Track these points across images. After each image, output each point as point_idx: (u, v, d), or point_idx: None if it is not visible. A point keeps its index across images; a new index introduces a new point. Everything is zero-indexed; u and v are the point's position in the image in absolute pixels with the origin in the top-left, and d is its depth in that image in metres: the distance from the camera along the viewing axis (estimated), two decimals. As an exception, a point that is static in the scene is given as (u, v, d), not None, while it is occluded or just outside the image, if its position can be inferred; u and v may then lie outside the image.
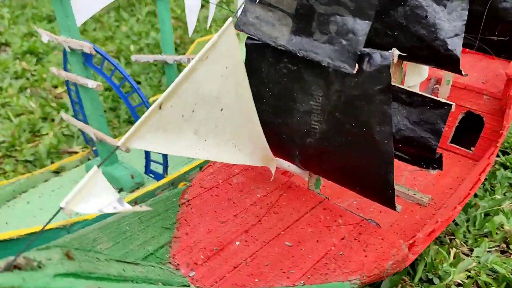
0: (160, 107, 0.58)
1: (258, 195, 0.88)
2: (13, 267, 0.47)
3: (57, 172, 1.43)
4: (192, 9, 1.41)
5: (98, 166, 0.57)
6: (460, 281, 1.05)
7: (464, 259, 1.09)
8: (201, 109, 0.64)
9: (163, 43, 1.40)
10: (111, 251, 0.68)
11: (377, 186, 0.77)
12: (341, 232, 0.81)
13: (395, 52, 0.74)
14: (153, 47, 2.68)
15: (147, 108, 1.19)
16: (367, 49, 0.71)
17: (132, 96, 2.09)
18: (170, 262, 0.72)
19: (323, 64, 0.73)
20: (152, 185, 1.22)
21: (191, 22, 1.43)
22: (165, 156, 1.23)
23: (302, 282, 0.72)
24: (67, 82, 1.38)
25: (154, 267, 0.66)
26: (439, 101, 0.93)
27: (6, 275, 0.46)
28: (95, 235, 0.69)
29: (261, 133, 0.77)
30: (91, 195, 0.51)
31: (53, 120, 2.10)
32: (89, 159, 1.51)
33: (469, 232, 1.22)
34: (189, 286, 0.68)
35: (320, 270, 0.74)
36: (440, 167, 0.96)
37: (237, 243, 0.78)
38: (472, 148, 1.32)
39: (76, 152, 1.88)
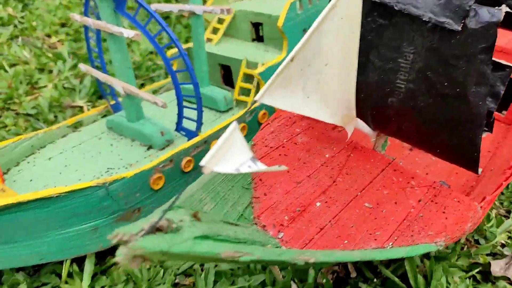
0: (292, 60, 0.53)
1: (326, 155, 0.85)
2: (155, 229, 0.43)
3: (74, 127, 1.35)
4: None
5: (238, 122, 0.51)
6: (503, 242, 1.07)
7: (504, 221, 1.11)
8: (313, 63, 0.59)
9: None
10: (214, 212, 0.64)
11: (463, 148, 0.76)
12: (417, 194, 0.80)
13: (504, 8, 0.70)
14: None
15: (185, 60, 1.12)
16: (472, 4, 0.67)
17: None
18: (256, 223, 0.69)
19: (423, 19, 0.68)
20: (185, 143, 1.16)
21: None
22: (200, 113, 1.17)
23: (390, 243, 0.70)
24: (86, 30, 1.28)
25: (248, 228, 0.63)
26: (500, 63, 0.91)
27: (152, 239, 0.41)
28: (199, 195, 0.65)
29: (353, 92, 0.74)
30: (230, 153, 0.47)
31: (50, 71, 1.97)
32: (105, 115, 1.42)
33: (503, 194, 1.25)
34: (280, 248, 0.66)
35: (405, 232, 0.73)
36: (490, 130, 0.95)
37: (318, 204, 0.75)
38: (504, 112, 1.33)
39: (80, 107, 1.78)
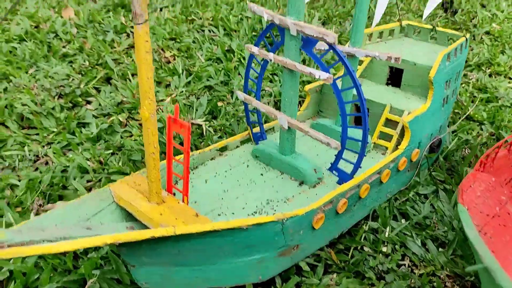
0: None
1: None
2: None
3: (221, 151, 1.38)
4: (382, 4, 1.34)
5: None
6: None
7: None
8: None
9: (355, 34, 1.33)
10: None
11: None
12: None
13: None
14: (254, 23, 2.58)
15: (363, 106, 1.14)
16: None
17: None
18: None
19: None
20: (343, 185, 1.17)
21: (379, 14, 1.36)
22: (361, 157, 1.19)
23: None
24: (250, 60, 1.31)
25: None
26: None
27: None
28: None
29: None
30: None
31: (167, 86, 2.02)
32: (246, 142, 1.45)
33: None
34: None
35: None
36: None
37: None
38: None
39: (199, 125, 1.82)
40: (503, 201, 0.91)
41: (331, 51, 1.12)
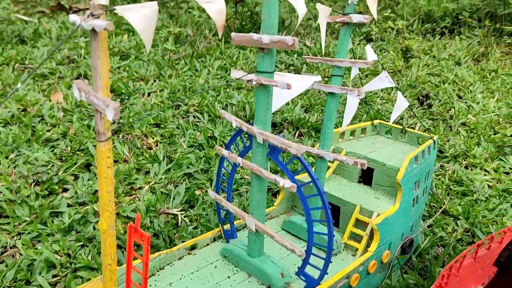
0: None
1: None
2: None
3: (190, 249, 1.37)
4: (350, 110, 1.41)
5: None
6: None
7: None
8: None
9: (324, 138, 1.38)
10: None
11: None
12: None
13: None
14: (238, 110, 2.67)
15: (327, 215, 1.15)
16: None
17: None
18: None
19: None
20: (309, 291, 1.16)
21: (346, 120, 1.42)
22: (327, 263, 1.18)
23: None
24: (222, 160, 1.34)
25: None
26: None
27: None
28: None
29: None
30: None
31: (147, 173, 2.05)
32: (214, 238, 1.44)
33: None
34: None
35: None
36: None
37: None
38: None
39: (175, 215, 1.82)
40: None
41: (301, 163, 1.15)
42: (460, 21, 4.64)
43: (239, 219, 1.74)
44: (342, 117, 1.47)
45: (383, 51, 4.17)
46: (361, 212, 1.47)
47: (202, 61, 3.43)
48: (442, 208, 2.01)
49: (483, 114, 3.07)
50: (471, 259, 1.24)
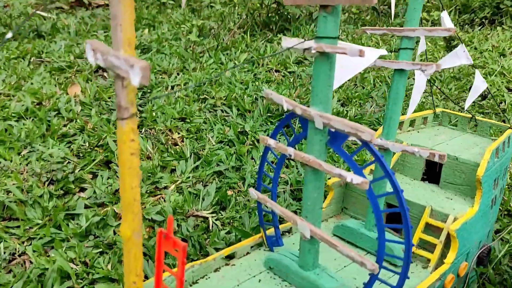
0: None
1: None
2: None
3: (227, 258, 1.14)
4: (419, 89, 1.17)
5: None
6: None
7: None
8: None
9: (388, 125, 1.14)
10: None
11: None
12: None
13: None
14: (269, 104, 2.44)
15: (402, 200, 0.91)
16: None
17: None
18: None
19: None
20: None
21: (414, 102, 1.19)
22: (403, 279, 0.95)
23: None
24: (265, 152, 1.12)
25: None
26: None
27: None
28: None
29: None
30: None
31: (172, 171, 1.83)
32: (259, 245, 1.22)
33: None
34: None
35: None
36: None
37: None
38: None
39: (205, 218, 1.60)
40: None
41: (373, 154, 0.92)
42: (501, 10, 4.33)
43: (284, 221, 1.51)
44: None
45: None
46: (432, 215, 1.22)
47: (227, 54, 3.21)
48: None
49: (539, 107, 2.78)
50: None
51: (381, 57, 1.13)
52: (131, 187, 0.66)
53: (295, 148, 1.01)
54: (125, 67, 0.57)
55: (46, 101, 2.18)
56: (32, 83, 2.34)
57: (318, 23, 0.88)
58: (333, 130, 0.93)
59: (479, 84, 1.26)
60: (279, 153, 1.06)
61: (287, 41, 0.94)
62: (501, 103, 2.80)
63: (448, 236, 1.16)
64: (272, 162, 1.92)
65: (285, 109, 0.97)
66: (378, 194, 0.96)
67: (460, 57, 1.15)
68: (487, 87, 2.90)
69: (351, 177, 0.88)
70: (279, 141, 1.15)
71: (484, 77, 3.14)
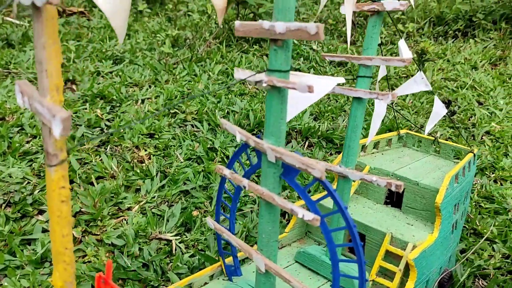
0: None
1: None
2: None
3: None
4: (379, 115, 1.16)
5: None
6: None
7: None
8: None
9: (347, 153, 1.13)
10: None
11: None
12: None
13: None
14: (241, 118, 2.42)
15: (359, 254, 0.90)
16: None
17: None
18: None
19: None
20: None
21: (375, 127, 1.18)
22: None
23: None
24: (222, 182, 1.09)
25: None
26: None
27: None
28: None
29: None
30: None
31: (137, 190, 1.79)
32: (218, 274, 1.19)
33: None
34: None
35: None
36: None
37: None
38: None
39: (169, 240, 1.56)
40: None
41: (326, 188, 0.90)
42: (474, 23, 4.41)
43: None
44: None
45: (394, 55, 3.93)
46: (392, 242, 1.21)
47: (201, 65, 3.19)
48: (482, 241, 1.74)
49: (508, 122, 2.82)
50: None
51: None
52: (62, 235, 0.63)
53: (251, 178, 0.99)
54: (48, 116, 0.55)
55: (9, 116, 2.12)
56: (-4, 97, 2.28)
57: (270, 56, 0.86)
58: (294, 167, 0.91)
59: (439, 110, 1.27)
60: (236, 183, 1.04)
61: (240, 73, 0.92)
62: (471, 117, 2.84)
63: (407, 264, 1.15)
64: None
65: (238, 140, 0.95)
66: (332, 228, 0.94)
67: (418, 83, 1.15)
68: (457, 100, 2.92)
69: (303, 213, 0.86)
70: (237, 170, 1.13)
71: (455, 90, 3.18)
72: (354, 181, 1.31)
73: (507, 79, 3.49)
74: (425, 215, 1.30)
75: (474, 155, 1.39)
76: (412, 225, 1.28)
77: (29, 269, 1.33)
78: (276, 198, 0.92)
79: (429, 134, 1.59)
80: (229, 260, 1.19)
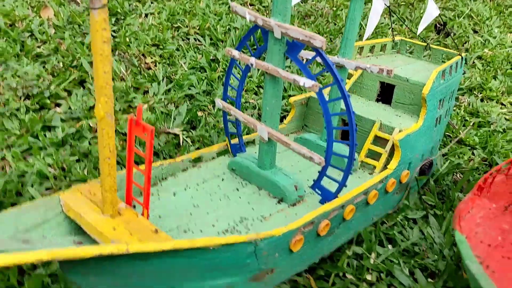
0: None
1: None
2: None
3: (194, 161, 1.26)
4: (377, 10, 1.25)
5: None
6: None
7: None
8: None
9: (344, 45, 1.24)
10: None
11: None
12: None
13: None
14: (241, 34, 2.49)
15: (351, 119, 1.03)
16: None
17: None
18: None
19: None
20: (326, 205, 1.06)
21: (372, 23, 1.27)
22: (346, 174, 1.08)
23: None
24: (231, 64, 1.20)
25: None
26: None
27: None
28: None
29: None
30: None
31: (145, 92, 1.91)
32: (224, 153, 1.33)
33: None
34: None
35: None
36: None
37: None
38: None
39: (176, 134, 1.70)
40: (505, 230, 0.80)
41: (318, 59, 1.02)
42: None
43: (248, 133, 1.63)
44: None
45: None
46: (381, 128, 1.35)
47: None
48: (459, 137, 1.90)
49: (500, 49, 2.91)
50: (503, 176, 1.14)
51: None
52: (103, 72, 0.75)
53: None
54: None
55: (19, 22, 2.18)
56: (4, 5, 2.32)
57: None
58: (290, 40, 1.03)
59: (432, 11, 1.36)
60: (243, 65, 1.15)
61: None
62: (465, 43, 2.92)
63: (393, 147, 1.30)
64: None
65: (248, 20, 1.05)
66: (329, 99, 1.07)
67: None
68: (453, 28, 2.99)
69: (304, 81, 0.98)
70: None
71: (452, 18, 3.24)
72: (349, 72, 1.42)
73: (504, 9, 3.54)
74: (412, 109, 1.43)
75: (462, 57, 1.50)
76: (400, 116, 1.41)
77: (52, 150, 1.46)
78: (280, 71, 1.04)
79: (422, 40, 1.69)
80: (234, 141, 1.33)
